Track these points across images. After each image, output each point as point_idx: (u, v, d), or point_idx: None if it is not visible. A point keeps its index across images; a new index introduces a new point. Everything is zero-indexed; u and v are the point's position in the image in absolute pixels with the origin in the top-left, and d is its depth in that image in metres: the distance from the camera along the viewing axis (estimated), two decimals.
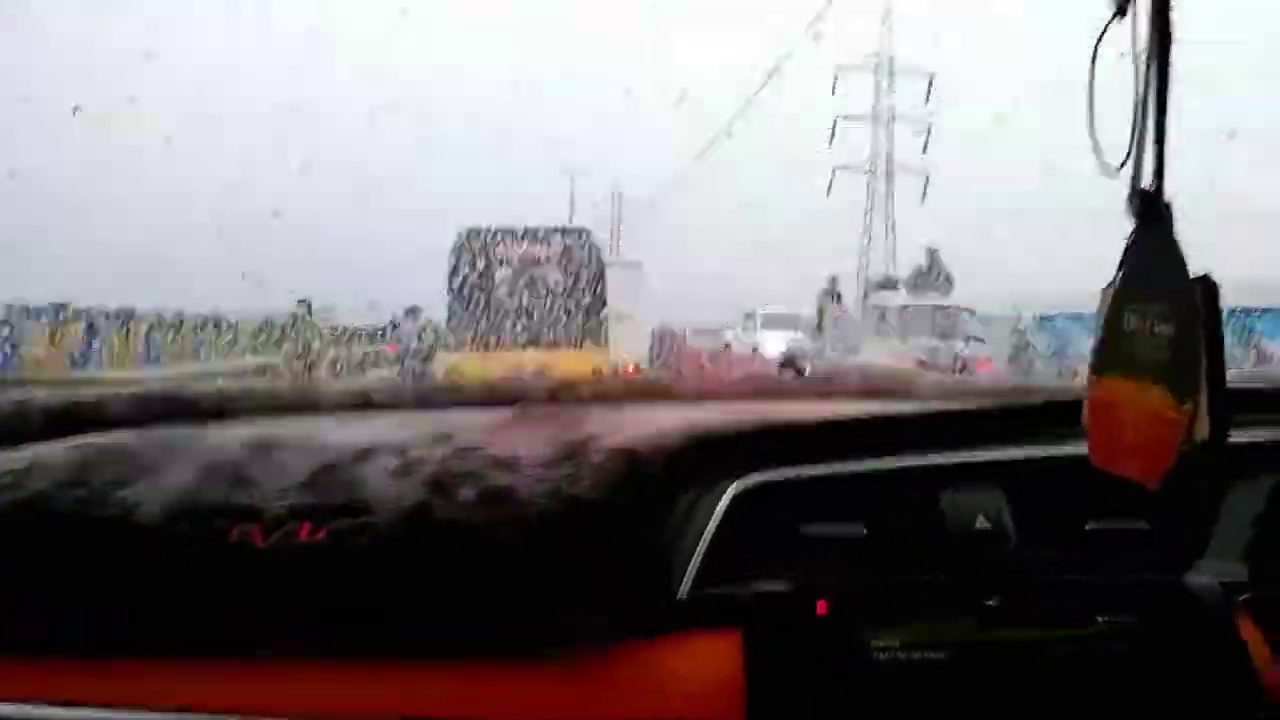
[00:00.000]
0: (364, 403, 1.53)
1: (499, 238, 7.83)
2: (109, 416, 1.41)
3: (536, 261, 8.25)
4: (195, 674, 1.15)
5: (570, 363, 8.09)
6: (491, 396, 1.59)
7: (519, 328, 7.95)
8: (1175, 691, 1.16)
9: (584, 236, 8.43)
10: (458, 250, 7.97)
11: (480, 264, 7.94)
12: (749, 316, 20.92)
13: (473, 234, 7.79)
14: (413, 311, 9.26)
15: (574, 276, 8.34)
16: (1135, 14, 0.97)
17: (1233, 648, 1.18)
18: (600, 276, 8.36)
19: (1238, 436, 1.02)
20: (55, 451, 1.26)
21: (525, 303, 7.90)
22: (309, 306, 8.20)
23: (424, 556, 1.15)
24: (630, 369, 12.56)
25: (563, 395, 1.62)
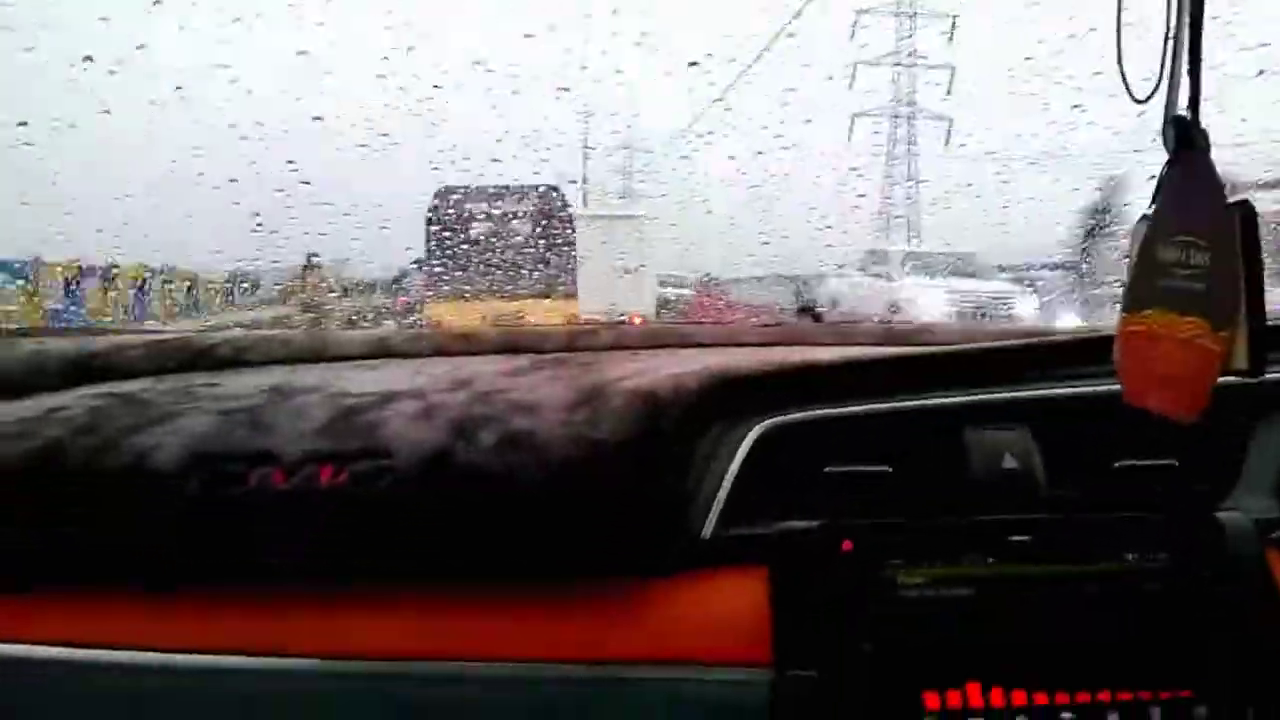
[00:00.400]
0: (382, 350, 1.52)
1: (472, 194, 8.28)
2: (124, 366, 1.40)
3: (507, 217, 8.65)
4: (216, 612, 1.16)
5: (542, 312, 8.54)
6: (510, 346, 1.57)
7: (493, 279, 8.31)
8: (1206, 629, 1.15)
9: (556, 193, 8.87)
10: (434, 208, 8.29)
11: (455, 220, 8.40)
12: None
13: (449, 191, 8.21)
14: (420, 263, 9.08)
15: (543, 232, 8.80)
16: None
17: (1265, 585, 1.17)
18: (570, 232, 8.88)
19: (1272, 371, 0.99)
20: (69, 400, 1.26)
21: (498, 256, 8.34)
22: (316, 259, 8.04)
23: (445, 500, 1.15)
24: (637, 319, 12.56)
25: (581, 343, 1.61)
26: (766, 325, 1.75)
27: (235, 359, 1.45)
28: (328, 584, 1.16)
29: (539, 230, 8.73)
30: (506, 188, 8.54)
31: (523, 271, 8.40)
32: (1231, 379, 0.94)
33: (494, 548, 1.15)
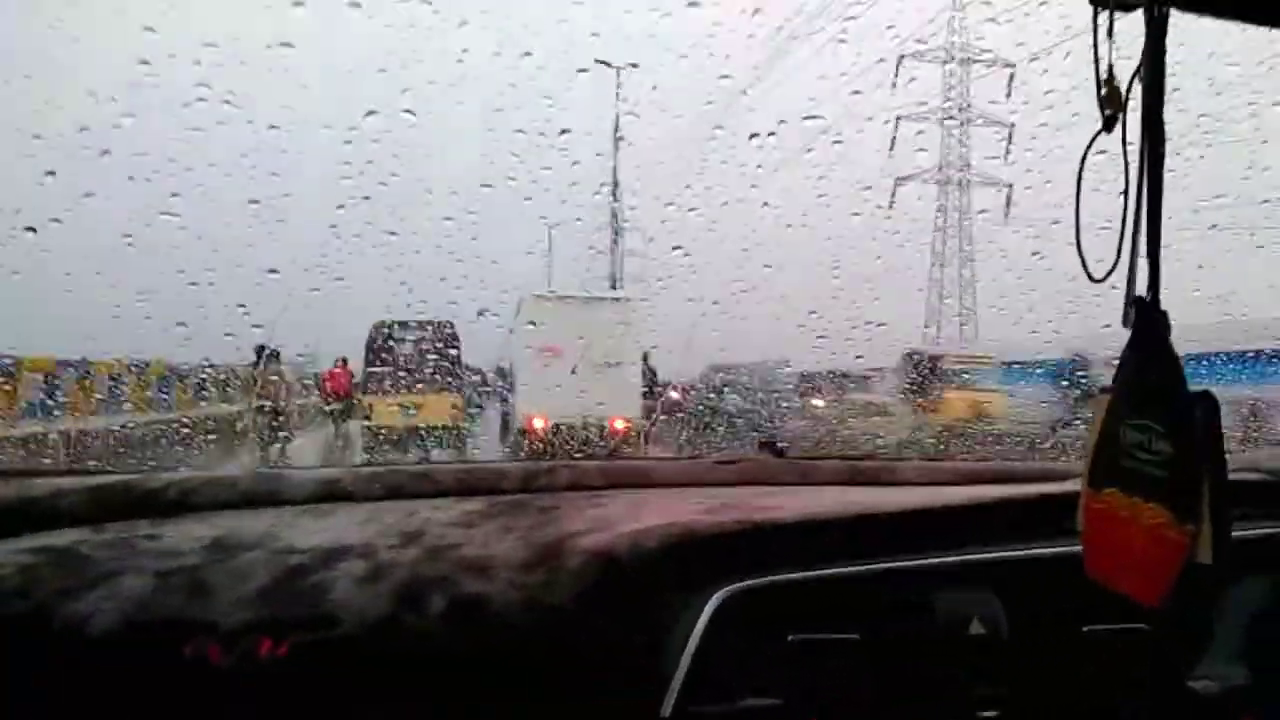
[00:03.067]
0: (333, 493, 1.46)
1: (395, 326, 11.83)
2: (64, 512, 1.33)
3: (417, 339, 12.24)
4: None
5: (432, 404, 12.37)
6: (465, 486, 1.52)
7: (404, 380, 12.03)
8: None
9: (449, 327, 12.02)
10: (370, 335, 11.88)
11: (382, 342, 11.98)
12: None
13: (379, 325, 11.75)
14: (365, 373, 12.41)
15: (439, 352, 12.06)
16: (1125, 122, 0.95)
17: None
18: (457, 352, 12.15)
19: (1236, 531, 0.97)
20: (3, 555, 1.18)
21: (408, 363, 11.98)
22: (274, 354, 8.52)
23: (392, 674, 1.09)
24: (618, 427, 11.64)
25: (537, 483, 1.57)
26: (726, 463, 1.72)
27: (180, 503, 1.39)
28: None
29: (437, 351, 12.04)
30: (417, 322, 11.90)
31: (425, 376, 11.96)
32: None
33: None
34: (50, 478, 1.45)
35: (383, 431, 11.97)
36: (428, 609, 1.11)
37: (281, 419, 9.18)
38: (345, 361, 12.14)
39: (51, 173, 2.85)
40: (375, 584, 1.14)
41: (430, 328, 11.90)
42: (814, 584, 1.24)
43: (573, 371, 11.39)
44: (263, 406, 8.77)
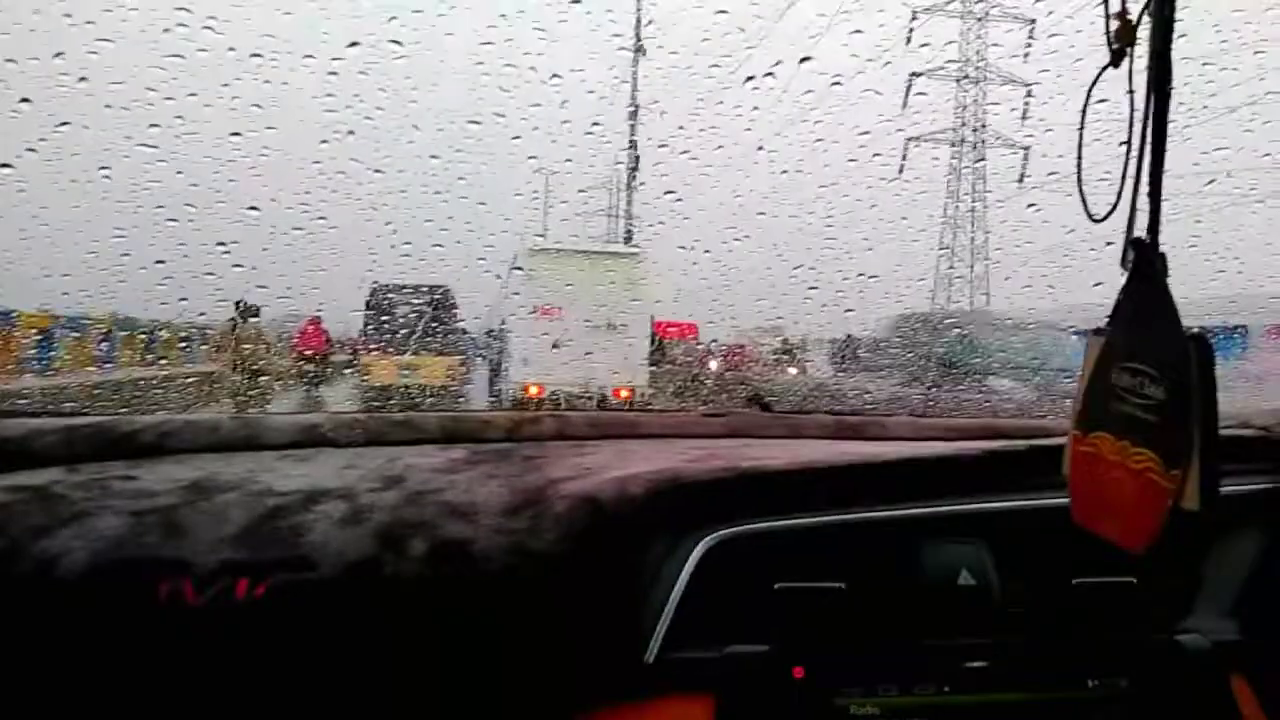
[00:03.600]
0: (314, 439, 1.43)
1: (393, 289, 11.75)
2: (40, 453, 1.30)
3: (415, 302, 12.03)
4: None
5: (431, 366, 12.28)
6: (449, 434, 1.50)
7: (402, 340, 11.97)
8: None
9: (447, 291, 12.06)
10: (369, 295, 11.59)
11: (381, 303, 11.75)
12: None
13: (378, 286, 11.55)
14: (360, 331, 12.36)
15: (436, 315, 12.03)
16: (1131, 59, 0.92)
17: (1227, 712, 1.14)
18: (454, 316, 12.29)
19: (1227, 486, 0.96)
20: None
21: (407, 325, 11.81)
22: (252, 309, 8.10)
23: (371, 617, 1.07)
24: (623, 393, 10.77)
25: (523, 432, 1.54)
26: (714, 415, 1.70)
27: (158, 446, 1.36)
28: (241, 707, 1.07)
29: (434, 314, 12.02)
30: (414, 286, 11.79)
31: (421, 336, 11.95)
32: None
33: (420, 672, 1.07)
34: (25, 419, 1.42)
35: (378, 391, 11.90)
36: (408, 552, 1.09)
37: (262, 380, 8.84)
38: (319, 320, 11.47)
39: (26, 99, 2.76)
40: (355, 527, 1.12)
41: (428, 291, 11.89)
42: (801, 532, 1.22)
43: (557, 344, 10.60)
44: (238, 365, 8.46)
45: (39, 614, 1.04)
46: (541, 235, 12.57)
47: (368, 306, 11.62)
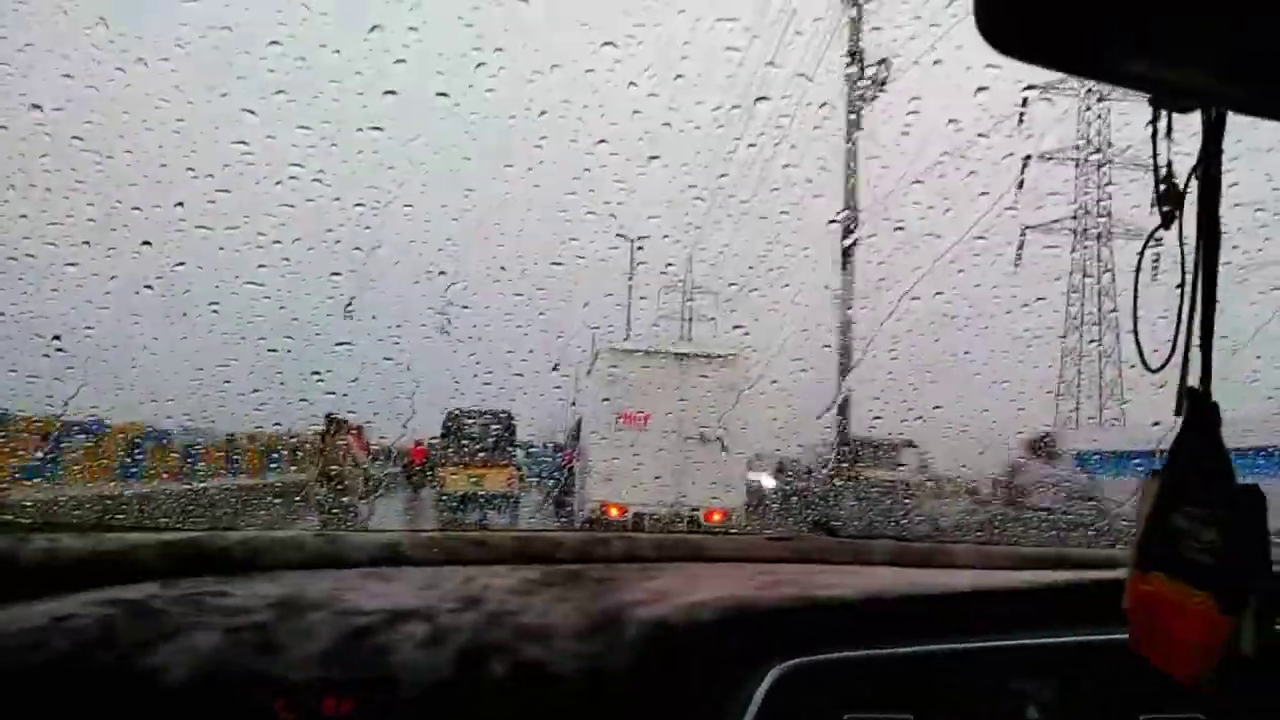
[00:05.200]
0: (394, 557, 1.51)
1: (465, 413, 13.85)
2: (135, 567, 1.39)
3: (482, 425, 14.24)
4: None
5: (491, 475, 14.50)
6: (522, 554, 1.56)
7: (470, 456, 14.01)
8: None
9: (508, 415, 14.10)
10: (445, 419, 13.42)
11: (454, 426, 13.80)
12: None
13: (451, 412, 13.35)
14: (434, 447, 14.22)
15: (499, 434, 14.11)
16: (1182, 217, 0.98)
17: None
18: (513, 435, 14.37)
19: None
20: (77, 607, 1.24)
21: (474, 444, 13.79)
22: (342, 423, 8.66)
23: None
24: (716, 516, 9.35)
25: (593, 553, 1.60)
26: (779, 539, 1.73)
27: (248, 561, 1.45)
28: None
29: (496, 434, 14.12)
30: (480, 411, 13.87)
31: (486, 452, 14.13)
32: None
33: None
34: (122, 533, 1.52)
35: (450, 496, 13.91)
36: (487, 673, 1.14)
37: (346, 485, 9.22)
38: (419, 442, 13.88)
39: (148, 243, 3.02)
40: (436, 647, 1.17)
41: (492, 415, 14.31)
42: (869, 663, 1.24)
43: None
44: (328, 473, 8.90)
45: None
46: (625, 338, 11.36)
47: (443, 429, 13.60)
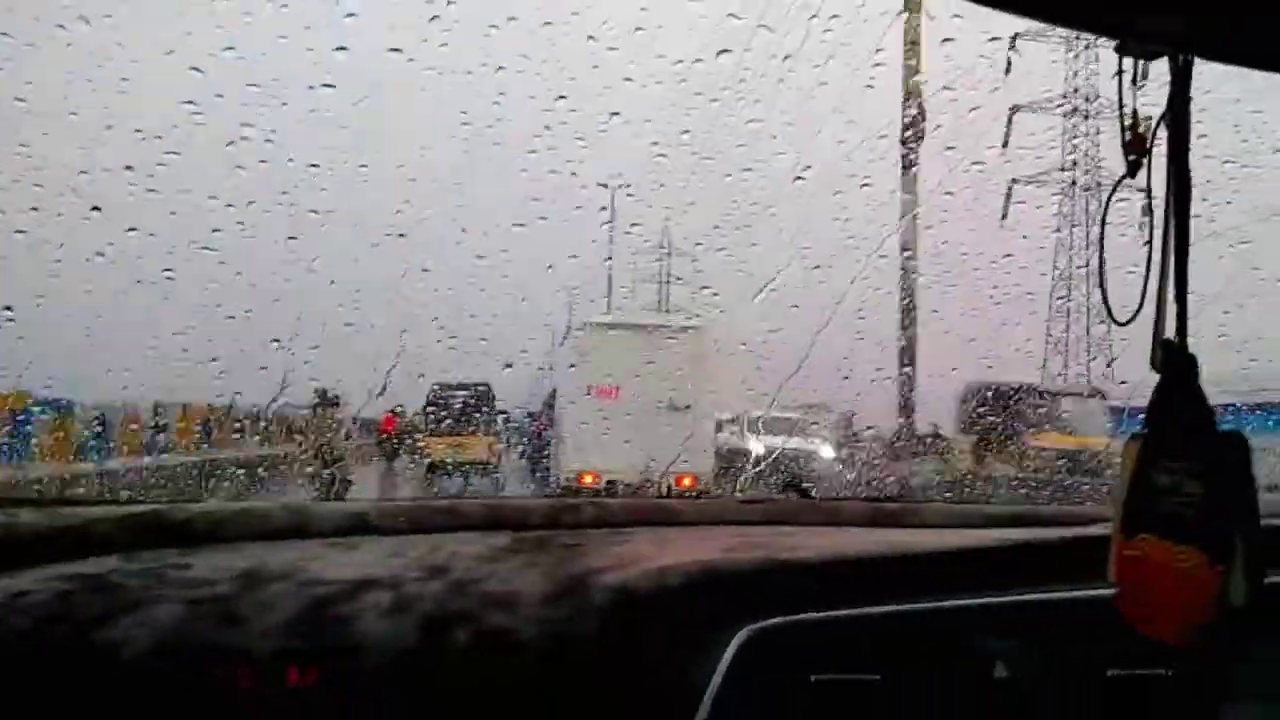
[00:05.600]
0: (360, 526, 1.48)
1: (445, 389, 14.88)
2: (96, 540, 1.36)
3: (464, 398, 14.98)
4: None
5: (472, 445, 15.51)
6: (492, 520, 1.54)
7: (454, 427, 14.93)
8: None
9: (487, 387, 15.07)
10: (430, 393, 14.40)
11: (438, 399, 14.77)
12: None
13: (435, 386, 14.30)
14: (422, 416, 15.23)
15: (478, 406, 15.08)
16: (1150, 165, 0.96)
17: None
18: (493, 406, 15.40)
19: (1270, 579, 0.97)
20: (35, 583, 1.20)
21: (457, 415, 14.74)
22: (332, 400, 9.30)
23: (415, 705, 1.09)
24: (686, 481, 9.60)
25: (563, 519, 1.58)
26: (751, 502, 1.72)
27: (210, 534, 1.41)
28: None
29: (476, 406, 15.14)
30: (461, 384, 14.89)
31: (468, 423, 15.23)
32: None
33: None
34: (82, 507, 1.48)
35: (437, 464, 15.09)
36: (451, 641, 1.12)
37: (340, 460, 9.67)
38: (394, 411, 14.45)
39: (97, 208, 2.94)
40: (400, 615, 1.15)
41: (473, 388, 15.22)
42: (837, 624, 1.23)
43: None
44: (321, 448, 9.20)
45: (101, 701, 1.09)
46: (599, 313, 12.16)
47: (428, 402, 14.64)
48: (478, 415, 15.16)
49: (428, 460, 14.76)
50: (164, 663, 1.09)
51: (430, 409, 14.73)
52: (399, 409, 14.25)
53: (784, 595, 1.25)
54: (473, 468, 15.14)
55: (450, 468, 14.79)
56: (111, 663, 1.09)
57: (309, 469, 8.63)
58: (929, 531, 1.55)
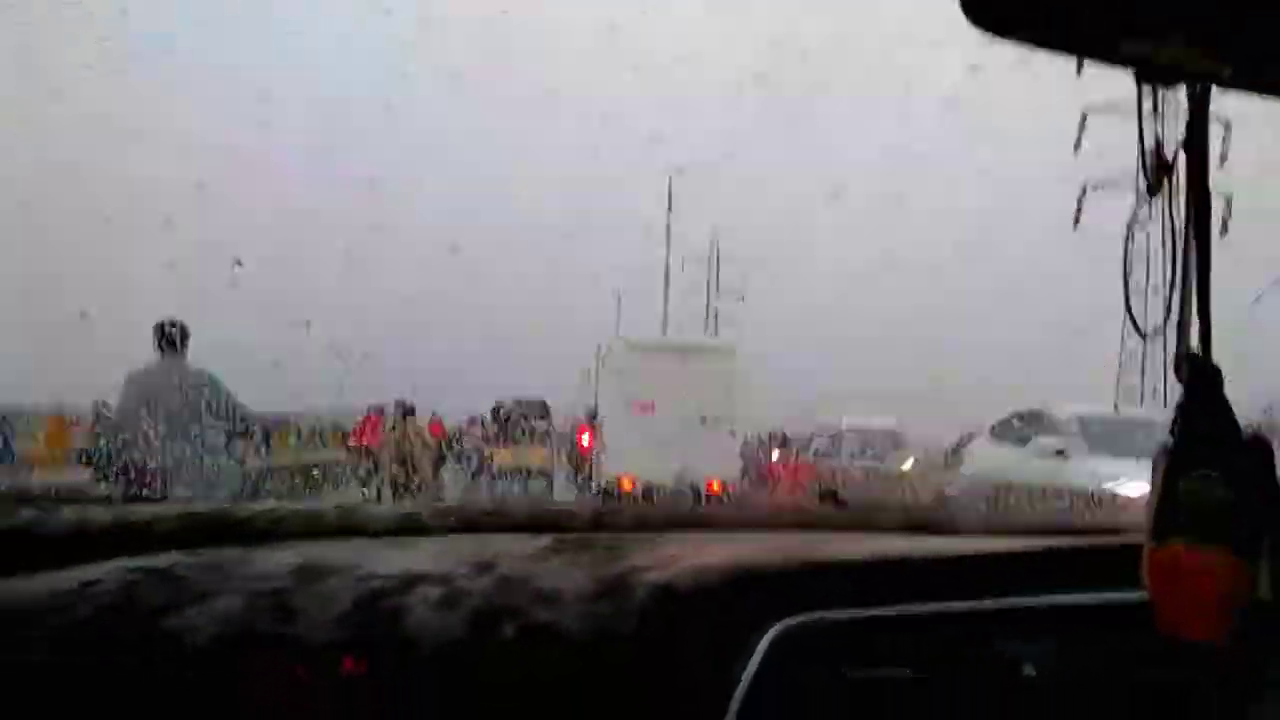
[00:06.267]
0: (410, 526, 1.54)
1: (506, 404, 17.56)
2: (159, 537, 1.43)
3: (522, 413, 17.45)
4: None
5: (531, 453, 17.89)
6: (535, 523, 1.59)
7: (514, 438, 17.03)
8: None
9: (544, 403, 18.10)
10: (492, 410, 17.57)
11: (501, 414, 17.37)
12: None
13: (499, 402, 17.55)
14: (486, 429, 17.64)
15: (533, 419, 17.61)
16: (1171, 191, 1.00)
17: None
18: (547, 419, 17.99)
19: None
20: (102, 574, 1.27)
21: (516, 428, 17.07)
22: (409, 409, 10.58)
23: (464, 694, 1.15)
24: (715, 485, 11.16)
25: (604, 522, 1.63)
26: (787, 509, 1.76)
27: (270, 532, 1.48)
28: None
29: (533, 419, 17.59)
30: (521, 400, 17.44)
31: (527, 434, 17.38)
32: None
33: None
34: (146, 504, 1.56)
35: (500, 470, 17.21)
36: (497, 634, 1.17)
37: (415, 467, 10.79)
38: (440, 418, 16.05)
39: (239, 262, 3.05)
40: (449, 609, 1.21)
41: (532, 405, 18.15)
42: (869, 622, 1.27)
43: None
44: (401, 456, 10.40)
45: (168, 687, 1.15)
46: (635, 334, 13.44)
47: (493, 416, 18.07)
48: (534, 427, 17.98)
49: (489, 469, 17.19)
50: (225, 652, 1.16)
51: (495, 422, 17.85)
52: (436, 416, 15.19)
53: (821, 594, 1.28)
54: (530, 474, 17.58)
55: (510, 473, 17.28)
56: (173, 651, 1.15)
57: (394, 468, 9.94)
58: (964, 538, 1.58)
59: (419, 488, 10.07)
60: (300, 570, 1.30)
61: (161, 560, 1.34)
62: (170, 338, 5.88)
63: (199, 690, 1.15)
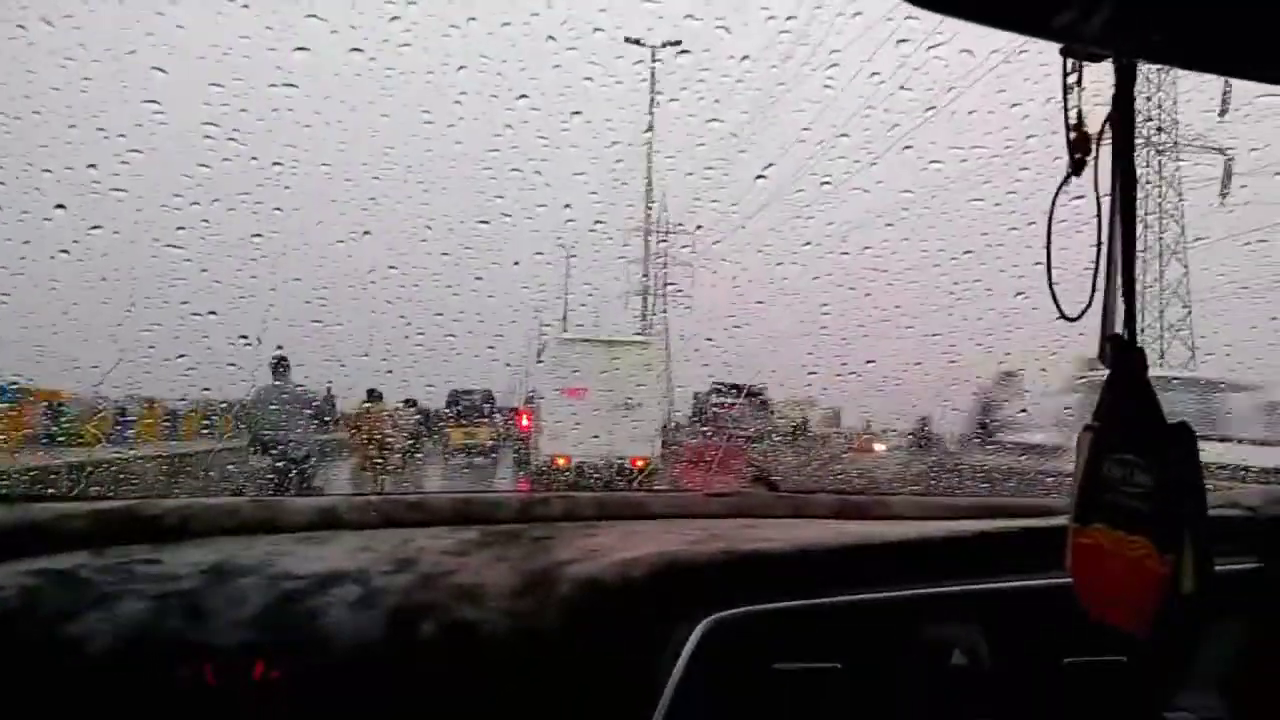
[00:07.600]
0: (329, 521, 1.48)
1: (460, 393, 19.20)
2: (66, 537, 1.35)
3: (472, 399, 19.47)
4: None
5: (481, 432, 19.83)
6: (461, 515, 1.55)
7: (467, 420, 19.32)
8: None
9: (489, 392, 20.45)
10: (449, 395, 18.75)
11: (455, 397, 18.88)
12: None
13: (454, 390, 18.75)
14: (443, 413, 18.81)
15: (483, 404, 19.82)
16: (1096, 163, 0.99)
17: None
18: (494, 404, 20.35)
19: (1218, 565, 1.00)
20: (4, 576, 1.20)
21: (468, 410, 19.17)
22: (377, 395, 10.77)
23: (381, 699, 1.11)
24: (639, 462, 12.23)
25: (533, 512, 1.59)
26: (718, 495, 1.74)
27: (180, 529, 1.41)
28: None
29: (482, 404, 19.96)
30: (470, 390, 19.43)
31: (477, 417, 19.87)
32: None
33: None
34: (53, 503, 1.47)
35: (455, 447, 18.89)
36: (418, 634, 1.13)
37: (385, 450, 11.15)
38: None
39: (61, 206, 2.91)
40: (368, 609, 1.16)
41: (479, 393, 20.17)
42: (799, 614, 1.25)
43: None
44: (371, 439, 10.71)
45: (65, 696, 1.09)
46: (567, 327, 14.59)
47: (447, 401, 18.99)
48: (483, 410, 20.32)
49: (446, 446, 18.66)
50: (130, 658, 1.10)
51: (449, 407, 19.35)
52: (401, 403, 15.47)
53: (746, 586, 1.27)
54: (479, 450, 19.80)
55: (463, 450, 19.16)
56: (76, 658, 1.09)
57: (370, 452, 10.45)
58: (894, 523, 1.58)
59: (392, 469, 10.65)
60: (211, 570, 1.24)
61: (65, 561, 1.26)
62: (283, 365, 7.66)
63: (103, 701, 1.09)
